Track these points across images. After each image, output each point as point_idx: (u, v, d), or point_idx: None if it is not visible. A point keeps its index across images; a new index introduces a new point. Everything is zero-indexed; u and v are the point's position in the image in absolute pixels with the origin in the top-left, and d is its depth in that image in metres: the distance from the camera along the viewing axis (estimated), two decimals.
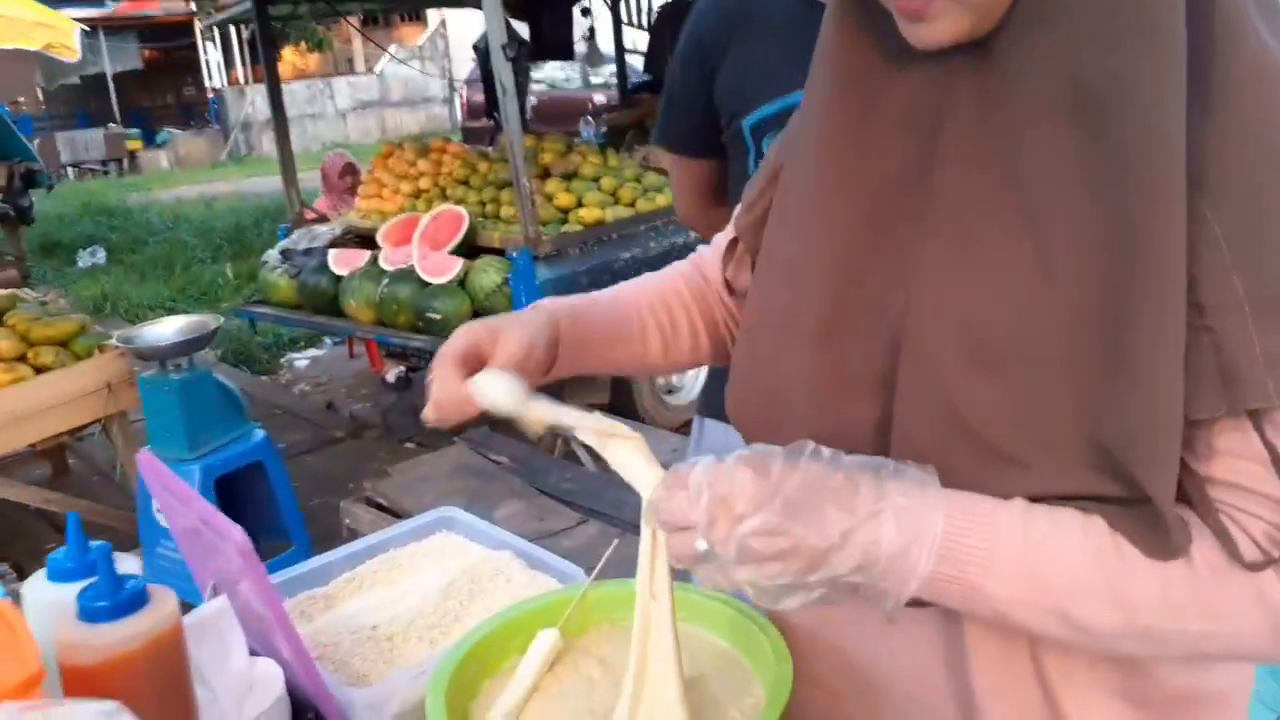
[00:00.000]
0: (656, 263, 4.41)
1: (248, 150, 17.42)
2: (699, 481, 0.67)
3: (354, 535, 2.39)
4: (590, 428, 0.81)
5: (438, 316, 3.85)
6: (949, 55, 0.73)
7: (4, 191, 8.32)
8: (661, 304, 1.04)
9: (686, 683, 0.86)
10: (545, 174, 4.30)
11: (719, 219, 1.65)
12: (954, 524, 0.68)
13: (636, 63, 7.29)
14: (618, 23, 6.98)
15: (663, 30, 6.03)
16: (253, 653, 0.98)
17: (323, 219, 5.13)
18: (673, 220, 4.19)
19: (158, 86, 19.43)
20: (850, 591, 0.69)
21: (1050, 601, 0.68)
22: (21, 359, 3.10)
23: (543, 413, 0.83)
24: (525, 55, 6.12)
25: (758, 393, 0.88)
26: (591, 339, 0.98)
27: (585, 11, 7.12)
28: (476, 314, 3.87)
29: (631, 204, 4.22)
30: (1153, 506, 0.66)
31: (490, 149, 4.87)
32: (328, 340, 6.36)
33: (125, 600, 0.76)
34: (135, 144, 17.24)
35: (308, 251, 4.68)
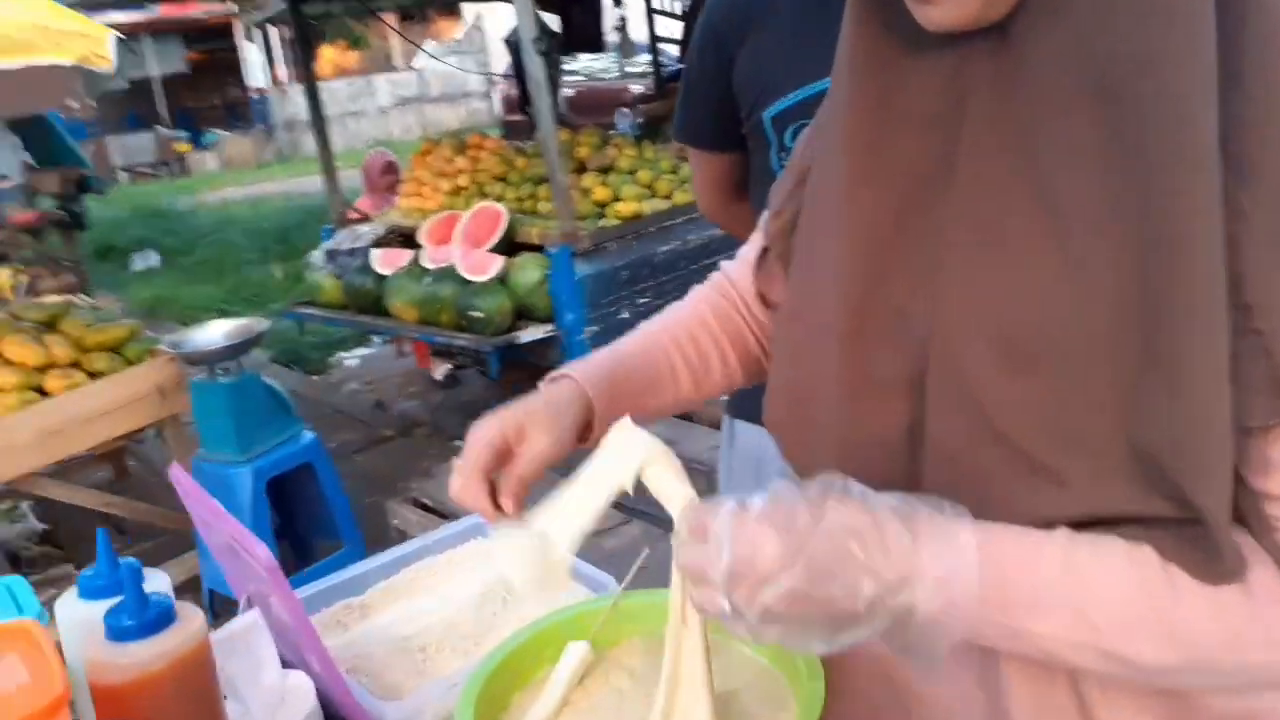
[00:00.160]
0: (695, 256, 4.37)
1: (292, 150, 17.63)
2: (719, 535, 0.65)
3: (402, 536, 2.41)
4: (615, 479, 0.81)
5: (480, 314, 3.86)
6: (968, 41, 0.70)
7: (58, 198, 8.52)
8: (690, 341, 1.02)
9: (719, 698, 0.86)
10: (581, 168, 4.29)
11: (741, 213, 1.63)
12: (992, 569, 0.65)
13: (674, 51, 7.25)
14: (650, 12, 6.93)
15: (696, 18, 5.98)
16: (288, 665, 0.98)
17: (365, 218, 5.17)
18: None
19: (203, 88, 19.73)
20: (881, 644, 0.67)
21: (1098, 640, 0.65)
22: (76, 365, 3.16)
23: (569, 532, 0.83)
24: (556, 48, 6.10)
25: (790, 397, 0.86)
26: (624, 402, 0.95)
27: (617, 1, 7.08)
28: (518, 312, 3.88)
29: (668, 196, 4.20)
30: (1203, 527, 0.63)
31: (528, 144, 4.87)
32: (376, 339, 6.42)
33: (152, 620, 0.76)
34: (183, 146, 17.54)
35: (351, 252, 4.73)
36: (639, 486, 0.83)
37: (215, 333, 3.13)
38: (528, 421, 0.88)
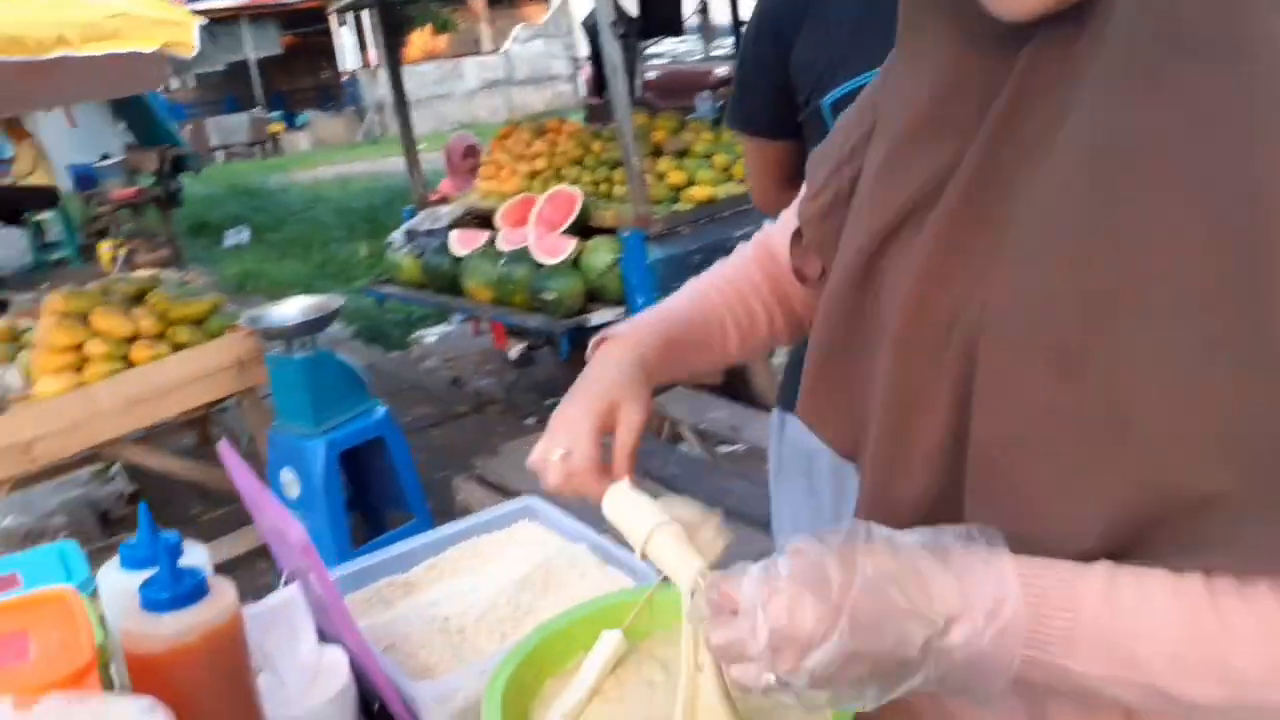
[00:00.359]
0: None
1: (382, 131, 17.95)
2: (751, 606, 0.62)
3: (465, 512, 2.45)
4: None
5: (552, 296, 3.88)
6: (1030, 32, 0.67)
7: (156, 176, 8.84)
8: (739, 299, 1.01)
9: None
10: (657, 152, 4.26)
11: (793, 202, 1.59)
12: (1032, 602, 0.62)
13: None
14: None
15: None
16: (328, 640, 0.99)
17: (445, 200, 5.24)
18: None
19: (296, 70, 20.20)
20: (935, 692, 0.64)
21: (1145, 678, 0.62)
22: (161, 337, 3.27)
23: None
24: (634, 32, 6.07)
25: (835, 403, 0.84)
26: (675, 360, 0.96)
27: None
28: (590, 294, 3.89)
29: (743, 181, 4.15)
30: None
31: (605, 127, 4.87)
32: (454, 317, 6.51)
33: (185, 592, 0.77)
34: (277, 127, 18.01)
35: (430, 232, 4.79)
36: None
37: (292, 309, 3.20)
38: (619, 397, 0.88)
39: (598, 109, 8.15)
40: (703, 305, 1.00)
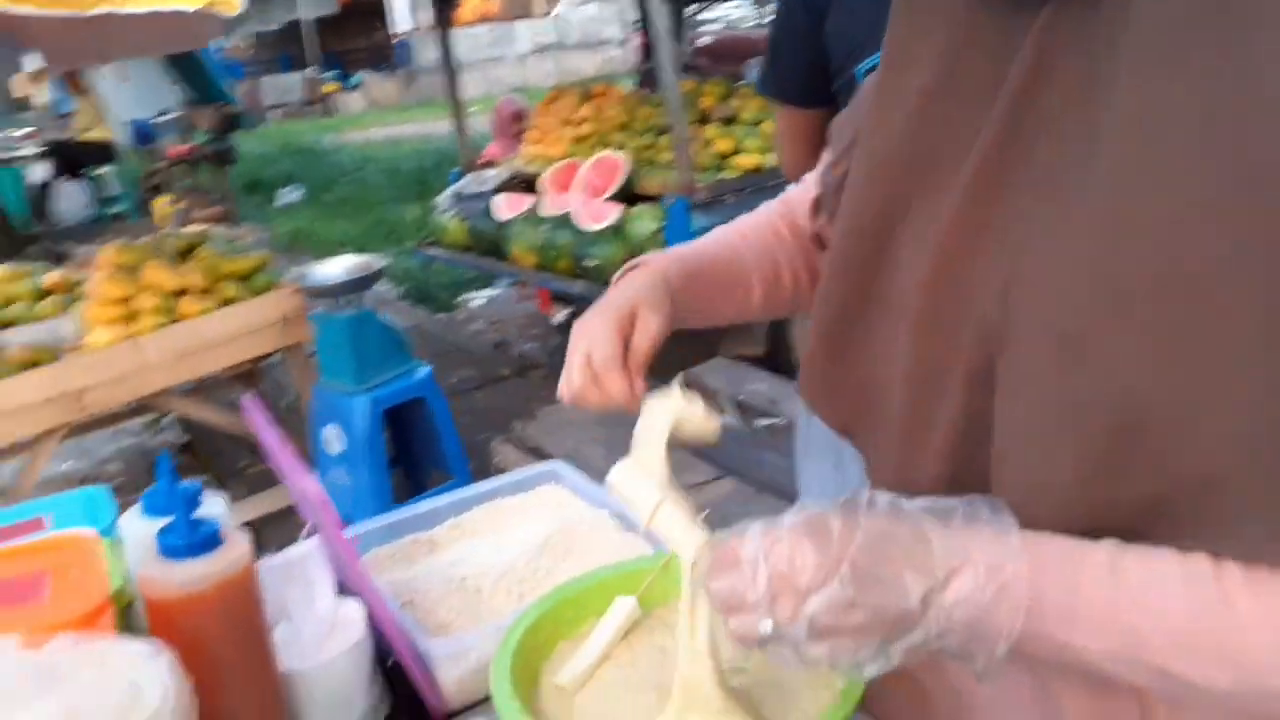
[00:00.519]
0: None
1: (434, 93, 17.96)
2: (753, 555, 0.62)
3: (501, 474, 2.47)
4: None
5: (594, 263, 3.87)
6: (1054, 4, 0.64)
7: (211, 133, 8.95)
8: (765, 251, 1.00)
9: (760, 666, 0.86)
10: (704, 118, 4.21)
11: None
12: (1034, 576, 0.61)
13: None
14: None
15: None
16: (346, 594, 1.01)
17: (492, 164, 5.24)
18: None
19: (350, 31, 20.24)
20: (935, 654, 0.63)
21: (1148, 658, 0.60)
22: (208, 292, 3.32)
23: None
24: None
25: (845, 386, 0.82)
26: (699, 299, 0.95)
27: None
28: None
29: None
30: None
31: (654, 93, 4.83)
32: (502, 281, 6.54)
33: (199, 541, 0.78)
34: (330, 87, 18.13)
35: (476, 196, 4.80)
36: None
37: (337, 268, 3.23)
38: (639, 303, 0.88)
39: (648, 74, 8.08)
40: (729, 249, 0.99)
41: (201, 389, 3.72)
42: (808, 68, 1.49)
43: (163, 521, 0.83)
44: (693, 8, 7.20)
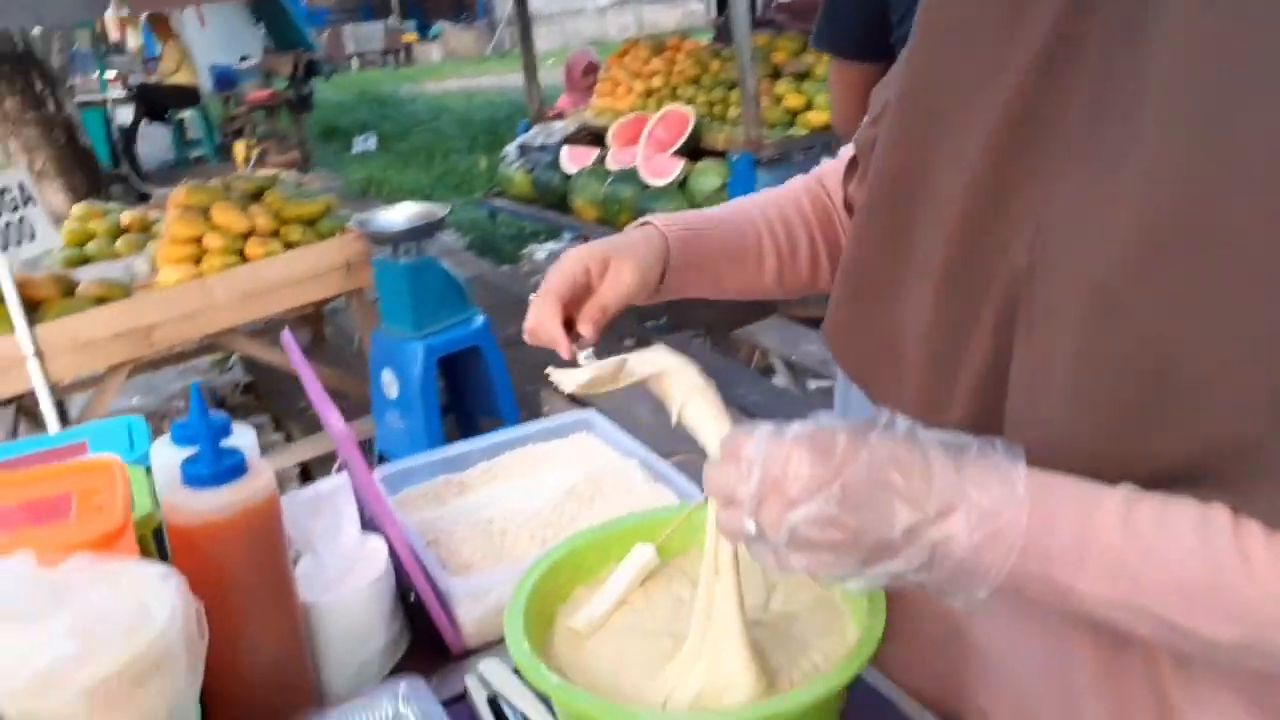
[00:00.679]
0: None
1: (512, 45, 17.96)
2: (752, 456, 0.61)
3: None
4: (658, 372, 0.79)
5: None
6: None
7: (289, 80, 9.08)
8: (782, 222, 0.97)
9: (778, 618, 0.86)
10: (776, 73, 4.14)
11: None
12: (1041, 517, 0.59)
13: None
14: None
15: None
16: (373, 530, 1.02)
17: (561, 116, 5.23)
18: None
19: None
20: (917, 585, 0.62)
21: (1154, 608, 0.59)
22: (275, 234, 3.38)
23: (609, 372, 0.82)
24: None
25: (868, 334, 0.80)
26: (703, 263, 0.93)
27: None
28: None
29: None
30: None
31: (726, 47, 4.75)
32: (566, 234, 6.55)
33: (223, 471, 0.80)
34: (410, 36, 18.24)
35: (542, 148, 4.81)
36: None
37: (399, 215, 3.26)
38: (613, 255, 0.87)
39: (723, 28, 7.95)
40: (741, 218, 0.96)
41: (267, 330, 3.81)
42: (864, 21, 1.46)
43: (190, 450, 0.84)
44: None
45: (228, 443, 0.84)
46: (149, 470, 0.93)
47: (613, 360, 0.82)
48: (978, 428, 0.69)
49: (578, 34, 17.79)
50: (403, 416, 3.30)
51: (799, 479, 0.60)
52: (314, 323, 4.68)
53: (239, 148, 8.83)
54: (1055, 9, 0.63)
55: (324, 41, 13.07)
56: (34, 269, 3.26)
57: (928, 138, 0.72)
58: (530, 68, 5.31)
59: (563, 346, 0.85)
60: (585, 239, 5.50)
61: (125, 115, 9.26)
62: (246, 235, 3.31)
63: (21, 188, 2.88)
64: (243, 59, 10.19)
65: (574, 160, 4.43)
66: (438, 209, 3.33)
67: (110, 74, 9.34)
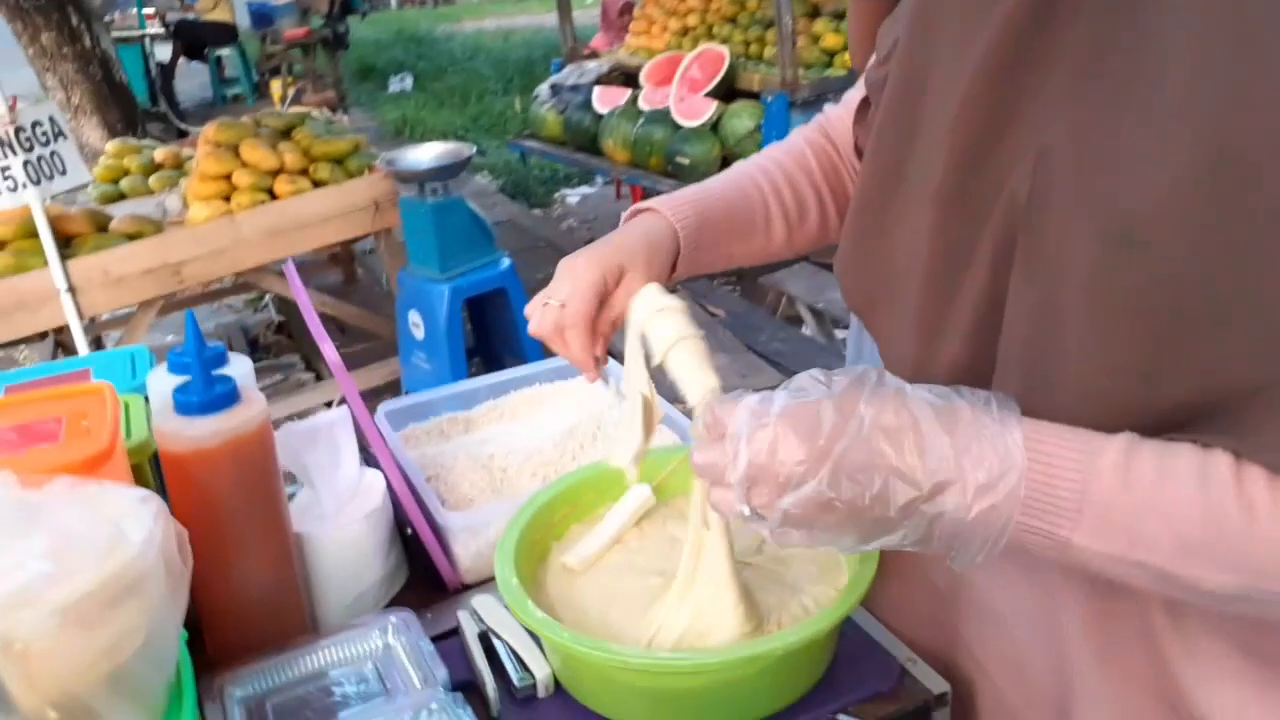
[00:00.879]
0: None
1: None
2: (736, 435, 0.60)
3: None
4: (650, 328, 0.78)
5: (686, 161, 3.80)
6: None
7: (325, 17, 9.02)
8: (788, 185, 0.94)
9: (774, 561, 0.86)
10: (815, 12, 4.04)
11: None
12: (1039, 472, 0.57)
13: None
14: None
15: None
16: (372, 463, 1.02)
17: (595, 55, 5.15)
18: None
19: None
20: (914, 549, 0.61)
21: (1154, 561, 0.57)
22: (303, 173, 3.37)
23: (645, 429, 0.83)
24: None
25: (870, 265, 0.78)
26: (713, 244, 0.91)
27: None
28: (726, 160, 3.78)
29: None
30: None
31: None
32: (599, 179, 6.49)
33: (214, 399, 0.80)
34: None
35: (575, 88, 4.74)
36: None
37: (426, 154, 3.24)
38: (627, 263, 0.85)
39: None
40: (743, 192, 0.94)
41: (299, 270, 3.83)
42: None
43: (184, 379, 0.84)
44: None
45: (221, 372, 0.84)
46: (145, 398, 0.94)
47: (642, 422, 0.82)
48: (974, 360, 0.67)
49: None
50: (429, 358, 3.31)
51: (788, 463, 0.58)
52: (345, 263, 4.70)
53: (275, 86, 8.81)
54: None
55: None
56: (70, 204, 3.29)
57: (928, 63, 0.69)
58: (564, 5, 5.22)
59: (592, 374, 0.85)
60: (618, 182, 5.43)
61: (163, 52, 9.26)
62: (275, 173, 3.31)
63: (53, 121, 2.89)
64: None
65: (605, 101, 4.36)
66: (465, 149, 3.30)
67: (148, 10, 9.31)
